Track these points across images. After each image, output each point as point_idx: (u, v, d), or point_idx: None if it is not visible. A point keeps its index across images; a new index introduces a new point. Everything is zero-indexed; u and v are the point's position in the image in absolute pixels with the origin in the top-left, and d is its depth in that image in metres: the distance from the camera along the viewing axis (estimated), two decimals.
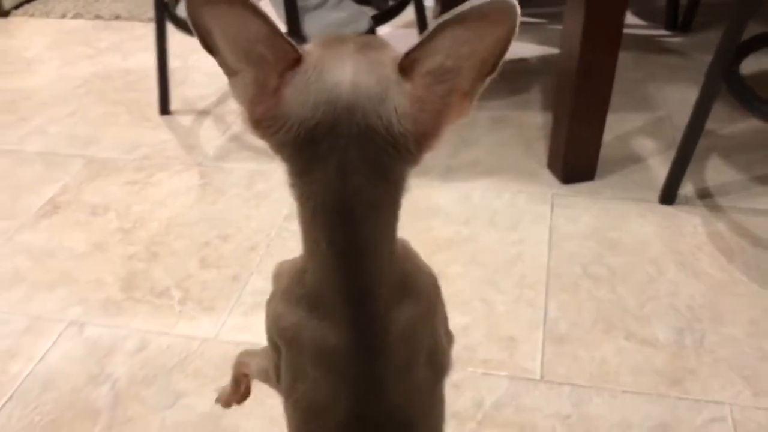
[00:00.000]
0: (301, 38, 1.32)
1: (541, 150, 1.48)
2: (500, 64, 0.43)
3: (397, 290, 0.50)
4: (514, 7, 0.41)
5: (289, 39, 0.44)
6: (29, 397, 0.99)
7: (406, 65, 0.44)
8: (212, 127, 1.60)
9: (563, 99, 1.34)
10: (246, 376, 0.73)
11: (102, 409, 0.97)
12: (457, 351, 1.04)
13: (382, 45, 0.47)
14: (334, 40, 0.47)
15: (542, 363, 1.01)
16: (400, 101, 0.44)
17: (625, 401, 0.96)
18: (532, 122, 1.58)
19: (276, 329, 0.53)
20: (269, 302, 0.55)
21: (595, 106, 1.33)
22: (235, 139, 1.56)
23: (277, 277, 0.56)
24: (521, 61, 1.86)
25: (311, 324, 0.50)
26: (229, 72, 0.46)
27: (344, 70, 0.44)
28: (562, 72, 1.35)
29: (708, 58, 1.21)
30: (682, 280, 1.14)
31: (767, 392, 0.96)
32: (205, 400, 0.98)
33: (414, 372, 0.52)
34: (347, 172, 0.44)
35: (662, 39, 1.94)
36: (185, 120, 1.64)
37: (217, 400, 0.80)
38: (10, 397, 1.00)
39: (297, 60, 0.44)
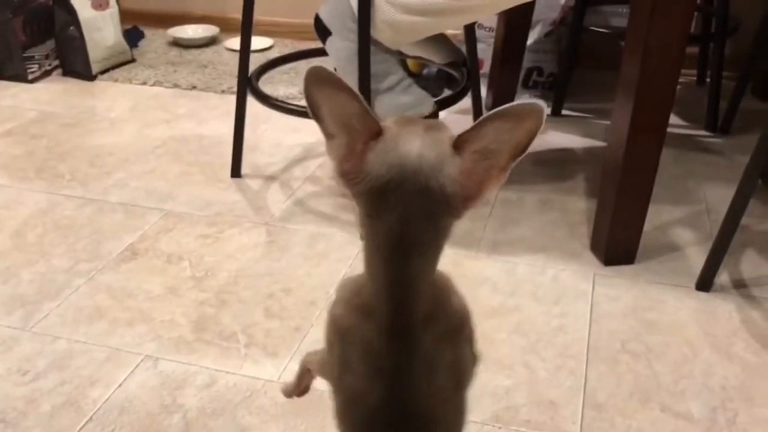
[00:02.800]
0: None
1: (584, 233, 1.57)
2: (528, 148, 0.58)
3: (431, 310, 0.63)
4: (541, 109, 0.56)
5: (376, 117, 0.59)
6: (108, 419, 1.09)
7: (459, 144, 0.58)
8: (278, 192, 1.74)
9: (608, 187, 1.45)
10: (309, 371, 0.85)
11: None
12: (500, 410, 1.12)
13: (443, 127, 0.61)
14: (409, 121, 0.62)
15: (581, 427, 1.08)
16: (452, 170, 0.58)
17: None
18: (576, 207, 1.69)
19: (335, 327, 0.67)
20: (333, 306, 0.69)
21: (638, 195, 1.43)
22: (300, 203, 1.68)
23: (342, 288, 0.70)
24: (567, 151, 1.98)
25: (363, 326, 0.63)
26: (328, 136, 0.61)
27: (414, 144, 0.58)
28: (608, 162, 1.46)
29: (745, 159, 1.32)
30: (716, 362, 1.21)
31: None
32: None
33: (438, 377, 0.64)
34: (408, 220, 0.58)
35: (703, 139, 2.05)
36: (254, 183, 1.78)
37: (282, 391, 0.93)
38: (90, 419, 1.09)
39: (379, 132, 0.59)
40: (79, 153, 1.93)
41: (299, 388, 0.91)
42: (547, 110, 2.22)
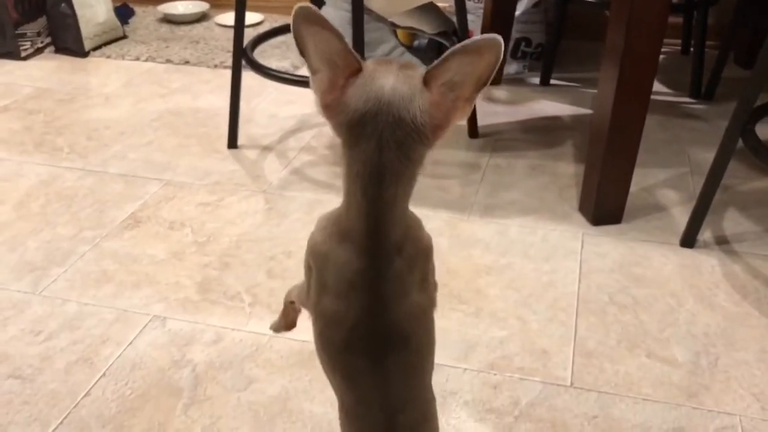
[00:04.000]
0: None
1: (572, 195, 1.63)
2: (490, 79, 0.63)
3: (403, 236, 0.69)
4: (499, 42, 0.61)
5: (356, 54, 0.65)
6: (120, 374, 1.14)
7: (428, 79, 0.64)
8: (275, 162, 1.78)
9: (595, 150, 1.50)
10: (292, 304, 0.89)
11: (184, 388, 1.11)
12: (495, 359, 1.18)
13: (414, 66, 0.67)
14: (385, 61, 0.68)
15: (572, 372, 1.14)
16: (422, 102, 0.64)
17: (646, 408, 1.08)
18: (564, 171, 1.74)
19: (313, 253, 0.73)
20: (312, 235, 0.74)
21: (624, 157, 1.49)
22: (296, 172, 1.73)
23: (319, 221, 0.75)
24: (556, 119, 2.03)
25: (339, 250, 0.69)
26: (313, 71, 0.67)
27: (388, 79, 0.64)
28: (595, 127, 1.51)
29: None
30: (699, 311, 1.27)
31: None
32: (274, 386, 1.11)
33: (410, 296, 0.70)
34: (382, 148, 0.64)
35: (687, 106, 2.11)
36: (251, 154, 1.82)
37: (271, 327, 0.97)
38: (104, 374, 1.14)
39: (359, 69, 0.65)
40: (76, 127, 1.96)
41: (286, 321, 0.95)
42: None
